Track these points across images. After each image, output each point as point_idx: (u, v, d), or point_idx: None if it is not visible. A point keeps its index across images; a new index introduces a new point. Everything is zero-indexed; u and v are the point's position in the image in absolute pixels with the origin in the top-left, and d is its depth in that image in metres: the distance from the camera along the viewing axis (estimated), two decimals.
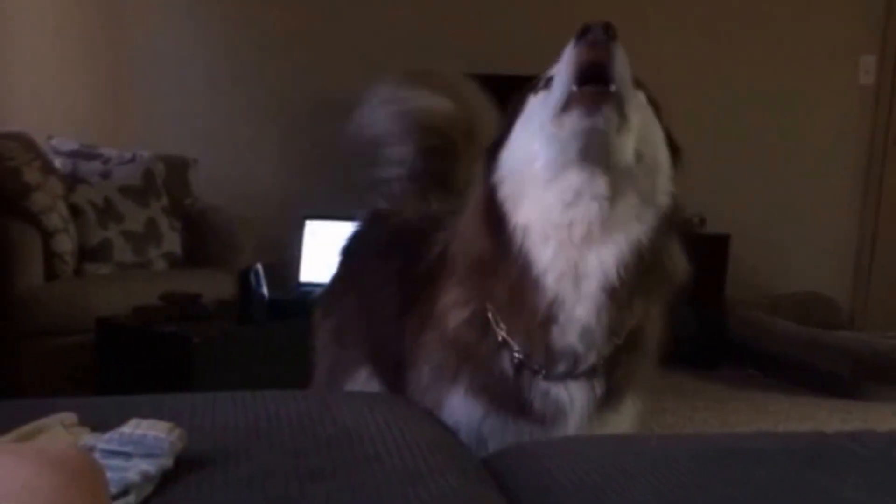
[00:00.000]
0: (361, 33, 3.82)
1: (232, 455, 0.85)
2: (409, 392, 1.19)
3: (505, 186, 1.05)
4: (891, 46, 4.10)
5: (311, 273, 3.38)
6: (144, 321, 2.44)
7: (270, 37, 3.81)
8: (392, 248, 1.37)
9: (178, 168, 3.43)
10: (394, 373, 1.28)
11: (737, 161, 4.00)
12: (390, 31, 3.81)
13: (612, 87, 0.94)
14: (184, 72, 3.78)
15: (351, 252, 1.53)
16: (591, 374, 1.08)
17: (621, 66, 0.95)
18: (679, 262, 1.08)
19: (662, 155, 1.04)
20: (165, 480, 0.78)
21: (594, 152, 0.97)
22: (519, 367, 1.09)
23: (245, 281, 2.47)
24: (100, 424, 0.86)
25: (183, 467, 0.80)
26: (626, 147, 0.98)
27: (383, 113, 1.49)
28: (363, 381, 1.38)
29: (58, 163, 3.21)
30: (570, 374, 1.08)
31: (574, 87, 0.95)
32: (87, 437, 0.82)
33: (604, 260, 1.01)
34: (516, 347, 1.08)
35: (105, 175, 3.22)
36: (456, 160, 1.44)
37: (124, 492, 0.72)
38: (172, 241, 3.27)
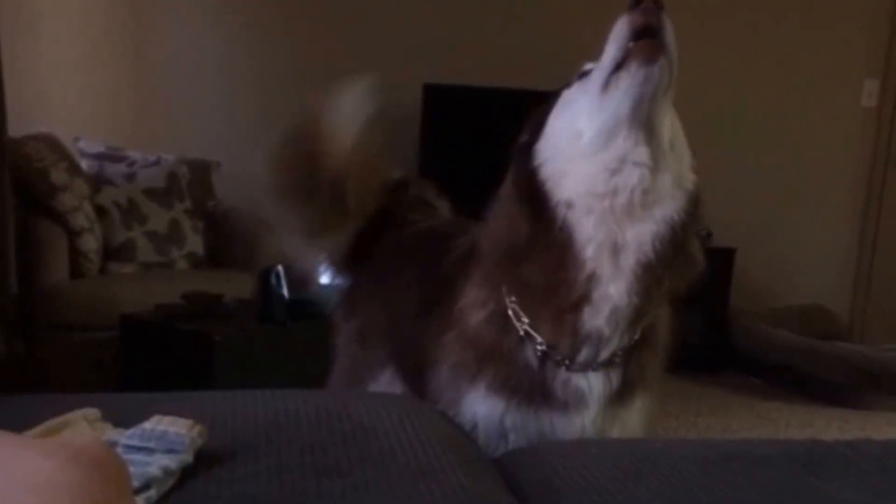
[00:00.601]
0: (379, 42, 3.82)
1: (251, 451, 0.85)
2: (430, 391, 1.20)
3: (546, 167, 1.06)
4: (893, 71, 4.12)
5: (329, 275, 3.38)
6: (166, 319, 2.44)
7: (292, 43, 3.81)
8: (414, 252, 1.38)
9: (201, 171, 3.44)
10: (416, 374, 1.29)
11: (743, 178, 4.01)
12: (407, 42, 3.82)
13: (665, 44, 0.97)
14: (207, 76, 3.79)
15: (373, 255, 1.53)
16: (608, 365, 1.10)
17: (670, 33, 0.99)
18: (698, 254, 1.10)
19: (685, 146, 1.08)
20: (186, 475, 0.77)
21: (644, 109, 1.00)
22: (542, 358, 1.10)
23: (265, 281, 2.47)
24: (122, 420, 0.86)
25: (203, 463, 0.80)
26: (665, 119, 1.02)
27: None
28: (386, 381, 1.38)
29: (84, 164, 3.22)
30: (591, 364, 1.09)
31: (631, 43, 0.98)
32: (110, 433, 0.81)
33: (641, 234, 1.03)
34: (539, 339, 1.09)
35: (130, 177, 3.24)
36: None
37: (146, 486, 0.71)
38: (195, 242, 3.28)
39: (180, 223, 3.24)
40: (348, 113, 1.44)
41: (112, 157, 3.32)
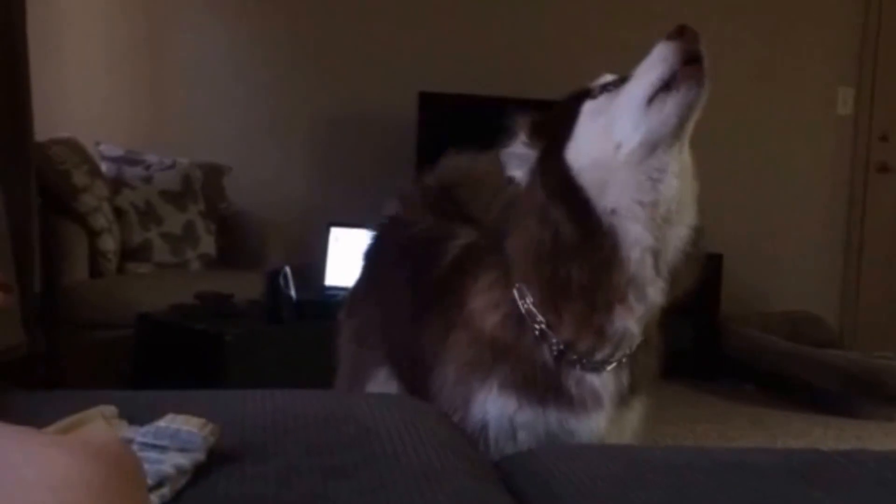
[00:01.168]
0: (390, 48, 3.83)
1: (260, 451, 0.85)
2: (433, 391, 1.20)
3: (585, 176, 1.08)
4: (866, 79, 4.11)
5: (335, 277, 3.38)
6: (181, 318, 2.45)
7: (302, 53, 3.83)
8: (408, 255, 1.39)
9: (213, 175, 3.46)
10: (411, 373, 1.29)
11: (728, 184, 3.97)
12: (403, 49, 3.83)
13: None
14: (221, 84, 3.80)
15: (371, 256, 1.54)
16: (619, 365, 1.13)
17: (706, 54, 1.03)
18: (701, 258, 1.12)
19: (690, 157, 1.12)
20: (198, 474, 0.78)
21: (686, 126, 1.05)
22: (558, 356, 1.11)
23: (274, 282, 2.48)
24: (137, 417, 0.86)
25: (214, 461, 0.80)
26: (688, 137, 1.07)
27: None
28: (382, 380, 1.38)
29: (104, 167, 3.24)
30: (605, 363, 1.11)
31: (681, 66, 1.03)
32: (126, 430, 0.82)
33: (677, 238, 1.07)
34: (554, 339, 1.11)
35: (147, 180, 3.25)
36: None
37: (159, 484, 0.72)
38: (207, 243, 3.29)
39: (194, 224, 3.25)
40: None
41: (130, 160, 3.34)
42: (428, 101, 3.67)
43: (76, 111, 3.45)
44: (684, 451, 1.14)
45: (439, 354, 1.20)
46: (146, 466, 0.68)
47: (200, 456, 0.78)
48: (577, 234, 1.07)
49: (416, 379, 1.26)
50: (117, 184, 3.16)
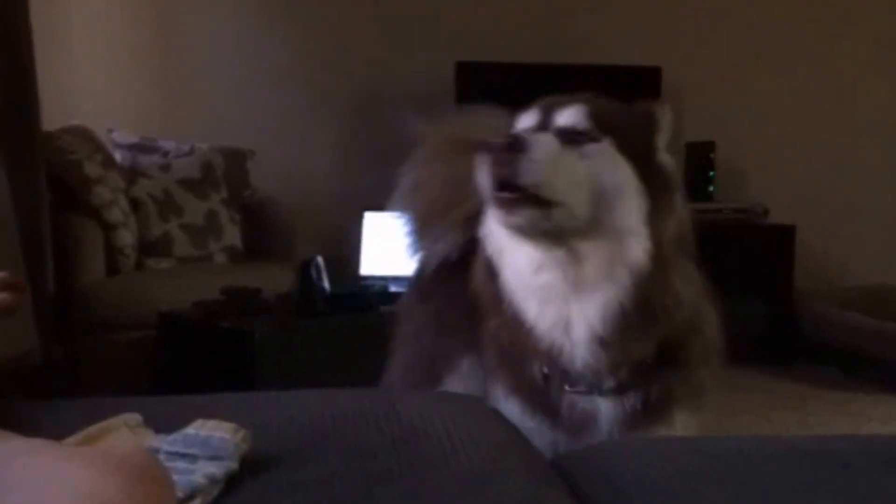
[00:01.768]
0: (424, 15, 3.82)
1: (297, 456, 0.85)
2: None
3: (490, 241, 1.13)
4: None
5: (371, 266, 3.39)
6: (205, 315, 2.47)
7: (329, 27, 3.83)
8: None
9: (235, 160, 3.47)
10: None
11: (800, 149, 3.95)
12: (439, 19, 3.82)
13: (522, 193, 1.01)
14: (240, 63, 3.82)
15: None
16: (617, 391, 1.11)
17: (531, 170, 1.01)
18: (685, 293, 1.10)
19: (628, 213, 1.06)
20: (231, 483, 0.78)
21: (531, 238, 1.06)
22: (546, 377, 1.14)
23: (305, 274, 2.48)
24: (163, 425, 0.87)
25: (248, 469, 0.80)
26: (570, 222, 1.04)
27: None
28: (465, 371, 1.33)
29: (118, 156, 3.27)
30: (597, 390, 1.11)
31: (492, 192, 1.03)
32: (152, 439, 0.82)
33: (587, 313, 1.06)
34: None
35: (164, 168, 3.28)
36: None
37: (190, 496, 0.72)
38: (232, 234, 3.32)
39: (217, 214, 3.27)
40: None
41: (146, 147, 3.37)
42: (466, 71, 3.67)
43: (86, 97, 3.50)
44: (761, 442, 1.11)
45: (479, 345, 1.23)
46: (175, 477, 0.67)
47: (233, 464, 0.78)
48: (493, 295, 1.12)
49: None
50: (132, 173, 3.19)
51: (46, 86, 2.72)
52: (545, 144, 1.03)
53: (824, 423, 2.75)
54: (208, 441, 0.78)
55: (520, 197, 1.01)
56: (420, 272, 1.45)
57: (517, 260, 1.09)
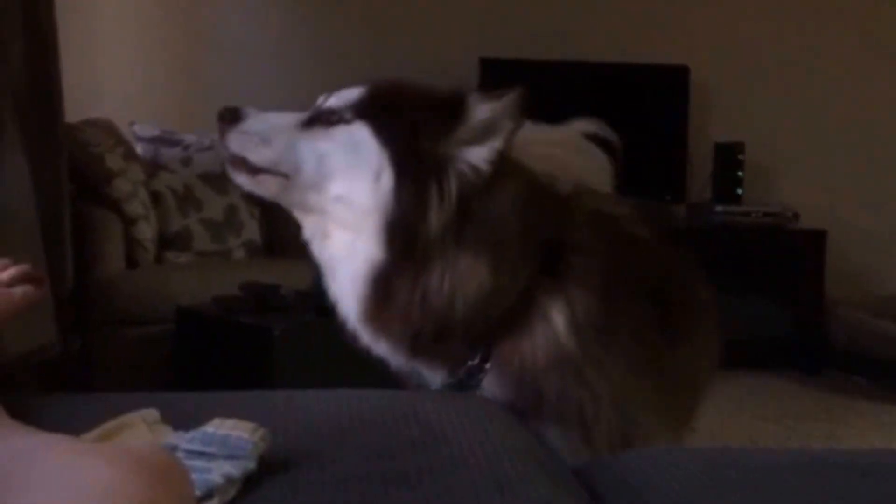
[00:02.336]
0: (447, 11, 3.83)
1: (315, 457, 0.85)
2: None
3: None
4: None
5: None
6: (224, 311, 2.48)
7: (352, 22, 3.84)
8: None
9: None
10: None
11: (833, 152, 3.90)
12: (462, 14, 3.82)
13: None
14: (262, 56, 3.84)
15: None
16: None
17: (238, 140, 1.13)
18: (465, 291, 1.06)
19: (364, 196, 1.07)
20: (248, 483, 0.78)
21: (288, 208, 1.21)
22: None
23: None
24: (181, 422, 0.87)
25: (266, 469, 0.80)
26: (303, 196, 1.14)
27: None
28: None
29: (139, 149, 3.30)
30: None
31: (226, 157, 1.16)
32: (170, 436, 0.82)
33: (341, 291, 1.17)
34: None
35: (185, 161, 3.30)
36: None
37: (208, 495, 0.72)
38: (251, 228, 3.33)
39: (237, 209, 3.29)
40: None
41: (167, 140, 3.39)
42: (490, 68, 3.66)
43: (108, 89, 3.53)
44: (789, 454, 1.10)
45: None
46: (193, 476, 0.68)
47: (250, 464, 0.78)
48: None
49: None
50: (153, 167, 3.21)
51: (69, 78, 2.75)
52: (260, 119, 1.13)
53: (853, 435, 2.72)
54: (226, 440, 0.78)
55: (234, 161, 1.12)
56: None
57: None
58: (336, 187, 1.09)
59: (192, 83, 3.81)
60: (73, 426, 0.80)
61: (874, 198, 3.97)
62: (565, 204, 1.16)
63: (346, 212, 1.09)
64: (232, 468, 0.75)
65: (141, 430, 0.83)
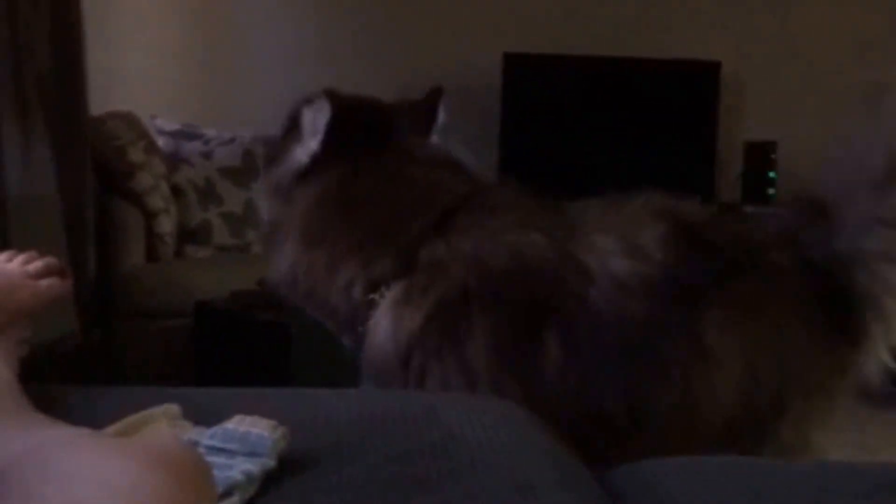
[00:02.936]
0: (471, 5, 3.83)
1: (334, 457, 0.86)
2: None
3: None
4: None
5: None
6: (242, 307, 2.50)
7: (373, 15, 3.84)
8: None
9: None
10: None
11: None
12: (486, 9, 3.81)
13: None
14: (284, 51, 3.86)
15: None
16: None
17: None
18: None
19: None
20: (267, 481, 0.79)
21: None
22: None
23: None
24: (201, 418, 0.88)
25: (285, 468, 0.81)
26: None
27: None
28: None
29: (161, 142, 3.33)
30: None
31: None
32: (191, 432, 0.83)
33: None
34: None
35: (206, 155, 3.33)
36: None
37: (228, 492, 0.73)
38: None
39: (256, 204, 3.31)
40: None
41: (188, 134, 3.42)
42: (514, 63, 3.65)
43: (131, 82, 3.57)
44: (821, 466, 1.08)
45: None
46: (214, 472, 0.69)
47: (271, 462, 0.79)
48: None
49: None
50: (174, 160, 3.25)
51: (93, 71, 2.78)
52: None
53: (884, 448, 2.68)
54: (247, 437, 0.79)
55: None
56: None
57: None
58: None
59: (214, 77, 3.83)
60: (95, 419, 0.81)
61: None
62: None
63: None
64: (252, 466, 0.76)
65: (162, 425, 0.84)
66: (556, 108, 3.71)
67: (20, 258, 1.04)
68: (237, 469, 0.76)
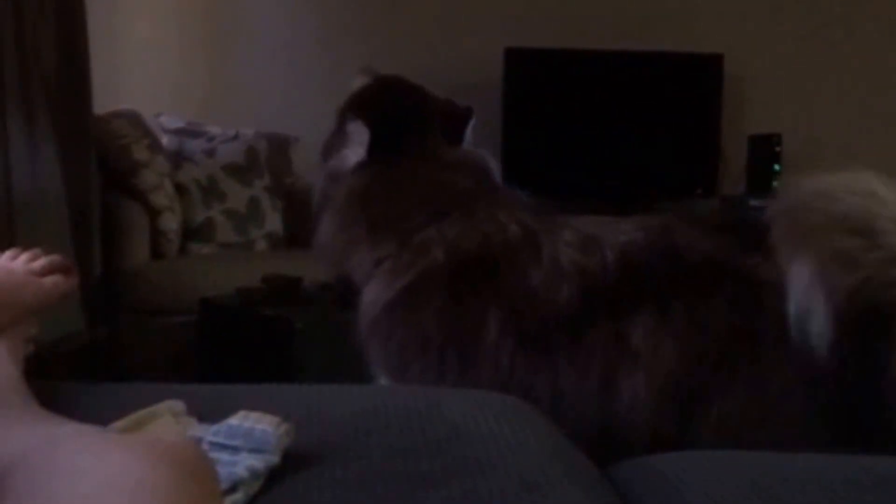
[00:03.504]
0: (458, 5, 3.83)
1: (339, 453, 0.86)
2: None
3: None
4: None
5: None
6: (247, 303, 2.51)
7: (374, 9, 3.85)
8: None
9: (279, 146, 3.52)
10: None
11: (875, 146, 3.80)
12: (487, 3, 3.81)
13: None
14: (285, 47, 3.86)
15: None
16: None
17: None
18: None
19: None
20: (272, 477, 0.78)
21: None
22: None
23: None
24: (205, 414, 0.88)
25: (289, 464, 0.81)
26: None
27: None
28: None
29: (164, 140, 3.34)
30: None
31: None
32: (196, 428, 0.84)
33: None
34: None
35: (210, 153, 3.34)
36: None
37: (233, 488, 0.73)
38: (274, 220, 3.36)
39: (259, 201, 3.32)
40: None
41: (192, 132, 3.43)
42: (515, 58, 3.64)
43: (135, 81, 3.57)
44: (838, 461, 1.07)
45: None
46: (218, 469, 0.69)
47: (275, 458, 0.79)
48: None
49: None
50: (178, 158, 3.26)
51: (97, 70, 2.79)
52: None
53: None
54: (251, 433, 0.79)
55: None
56: None
57: None
58: None
59: (218, 75, 3.84)
60: (100, 416, 0.81)
61: None
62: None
63: None
64: (256, 462, 0.76)
65: (167, 421, 0.84)
66: (557, 102, 3.71)
67: (25, 256, 1.04)
68: (241, 465, 0.76)
